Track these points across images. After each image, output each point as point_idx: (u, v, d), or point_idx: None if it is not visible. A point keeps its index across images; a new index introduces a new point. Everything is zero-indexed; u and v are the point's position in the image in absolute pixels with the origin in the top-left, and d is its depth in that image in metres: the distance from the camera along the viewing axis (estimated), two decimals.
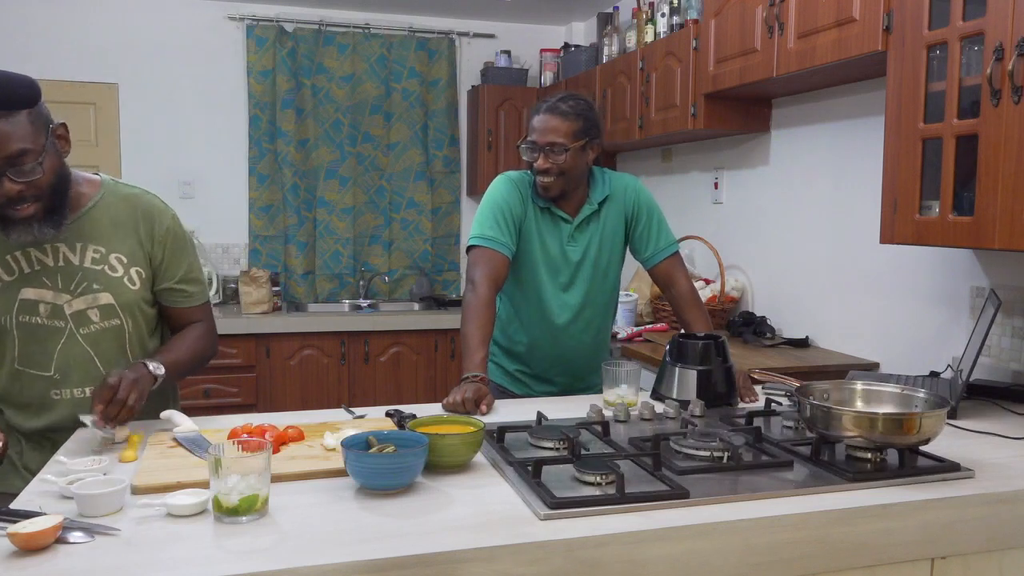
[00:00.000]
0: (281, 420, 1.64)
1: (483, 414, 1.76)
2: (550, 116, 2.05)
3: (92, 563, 1.04)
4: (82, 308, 1.66)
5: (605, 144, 3.89)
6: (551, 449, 1.51)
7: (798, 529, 1.23)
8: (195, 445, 1.48)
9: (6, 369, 1.67)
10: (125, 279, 1.70)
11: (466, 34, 4.81)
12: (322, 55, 4.54)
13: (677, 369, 1.91)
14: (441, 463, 1.38)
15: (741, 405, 1.92)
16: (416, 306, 4.65)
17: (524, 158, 2.08)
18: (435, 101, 4.73)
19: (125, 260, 1.70)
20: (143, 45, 4.37)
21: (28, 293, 1.64)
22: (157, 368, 1.60)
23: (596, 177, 2.17)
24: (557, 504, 1.20)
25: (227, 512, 1.16)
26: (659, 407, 1.84)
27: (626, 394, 1.86)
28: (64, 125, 1.61)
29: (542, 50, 4.78)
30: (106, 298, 1.68)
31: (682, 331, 2.12)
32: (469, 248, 2.08)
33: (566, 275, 2.15)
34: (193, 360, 1.77)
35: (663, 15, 3.44)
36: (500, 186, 2.13)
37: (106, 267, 1.68)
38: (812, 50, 2.39)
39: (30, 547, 1.06)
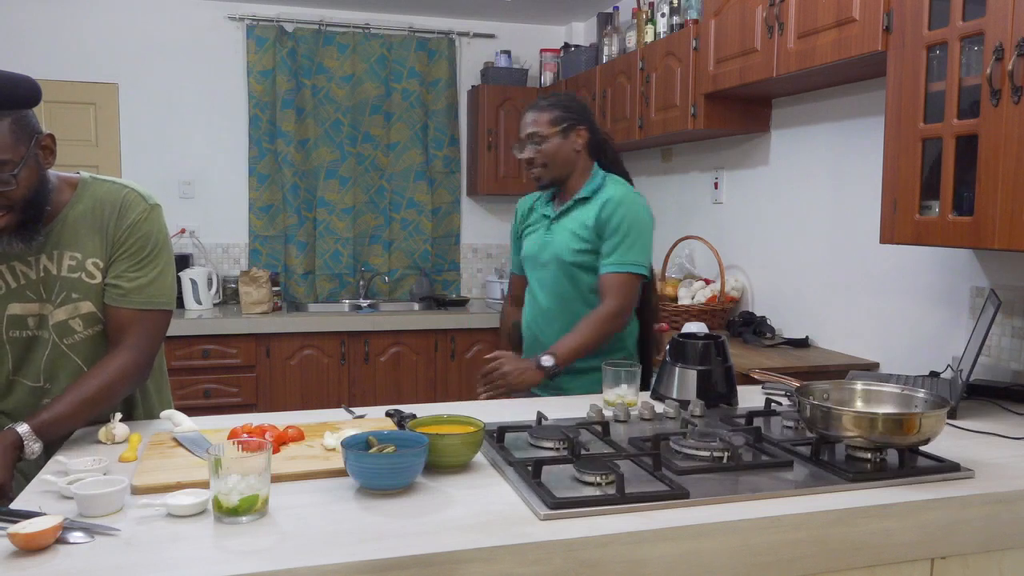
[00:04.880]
0: (281, 420, 1.64)
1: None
2: (530, 112, 2.24)
3: (92, 563, 1.04)
4: (63, 319, 1.62)
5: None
6: (551, 449, 1.51)
7: (798, 529, 1.23)
8: (195, 445, 1.48)
9: (3, 379, 1.66)
10: (102, 284, 1.64)
11: (466, 34, 4.81)
12: (322, 55, 4.54)
13: (677, 369, 1.92)
14: (441, 463, 1.38)
15: (742, 404, 1.91)
16: (416, 306, 4.65)
17: (518, 157, 2.26)
18: (435, 101, 4.73)
19: (101, 264, 1.63)
20: (143, 45, 4.37)
21: (15, 308, 1.61)
22: (29, 442, 1.43)
23: (594, 177, 2.22)
24: (557, 504, 1.20)
25: (227, 512, 1.16)
26: (659, 407, 1.84)
27: (626, 394, 1.86)
28: (51, 136, 1.55)
29: (542, 50, 4.78)
30: (87, 306, 1.63)
31: (682, 331, 2.12)
32: None
33: (540, 267, 2.26)
34: (92, 403, 1.54)
35: (663, 15, 3.44)
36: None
37: (83, 274, 1.62)
38: (812, 50, 2.39)
39: (30, 547, 1.06)
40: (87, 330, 1.65)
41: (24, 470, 1.62)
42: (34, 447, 1.44)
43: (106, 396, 1.57)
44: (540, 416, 1.67)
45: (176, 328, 3.87)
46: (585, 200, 2.19)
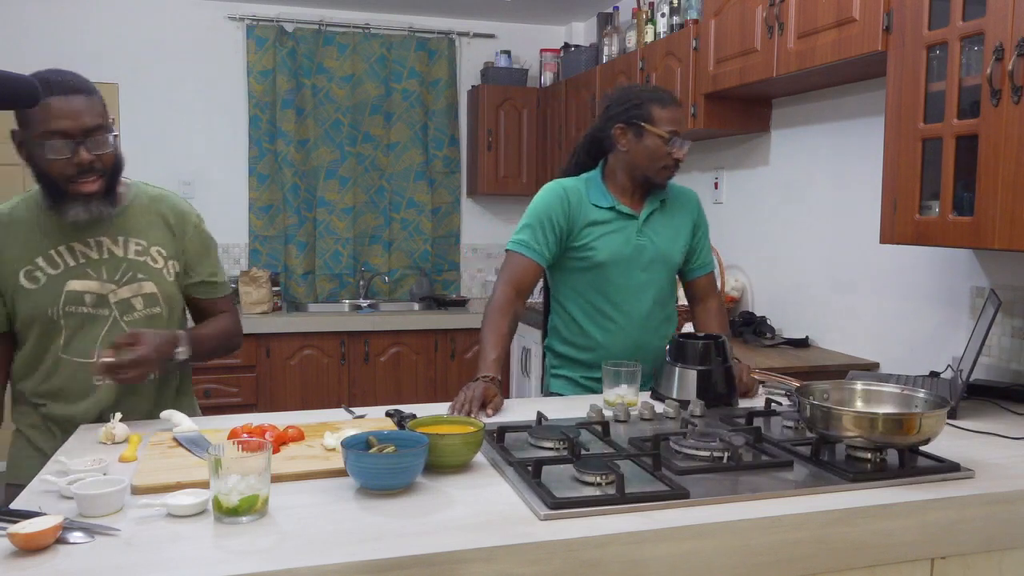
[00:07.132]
0: (281, 420, 1.64)
1: (488, 416, 1.74)
2: (676, 108, 2.06)
3: (92, 563, 1.04)
4: (127, 296, 1.75)
5: None
6: (551, 449, 1.51)
7: (798, 529, 1.23)
8: (195, 445, 1.48)
9: (50, 360, 1.72)
10: (164, 271, 1.80)
11: (466, 34, 4.81)
12: (322, 55, 4.54)
13: (677, 369, 1.91)
14: (441, 463, 1.38)
15: (742, 404, 1.91)
16: (416, 306, 4.65)
17: (675, 154, 2.02)
18: (435, 101, 4.74)
19: (164, 253, 1.81)
20: (143, 45, 4.37)
21: (74, 285, 1.71)
22: (180, 349, 1.72)
23: None
24: (557, 504, 1.20)
25: (227, 512, 1.16)
26: (659, 407, 1.84)
27: (626, 394, 1.86)
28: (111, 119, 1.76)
29: (542, 50, 4.78)
30: (150, 287, 1.78)
31: (682, 331, 2.11)
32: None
33: (638, 270, 2.10)
34: (219, 339, 1.89)
35: (663, 15, 3.44)
36: (544, 194, 2.10)
37: (148, 259, 1.78)
38: (812, 50, 2.39)
39: (30, 547, 1.06)
40: (145, 310, 1.78)
41: (30, 466, 1.63)
42: (186, 349, 1.73)
43: (231, 335, 1.93)
44: (540, 416, 1.67)
45: None
46: (664, 201, 2.15)
